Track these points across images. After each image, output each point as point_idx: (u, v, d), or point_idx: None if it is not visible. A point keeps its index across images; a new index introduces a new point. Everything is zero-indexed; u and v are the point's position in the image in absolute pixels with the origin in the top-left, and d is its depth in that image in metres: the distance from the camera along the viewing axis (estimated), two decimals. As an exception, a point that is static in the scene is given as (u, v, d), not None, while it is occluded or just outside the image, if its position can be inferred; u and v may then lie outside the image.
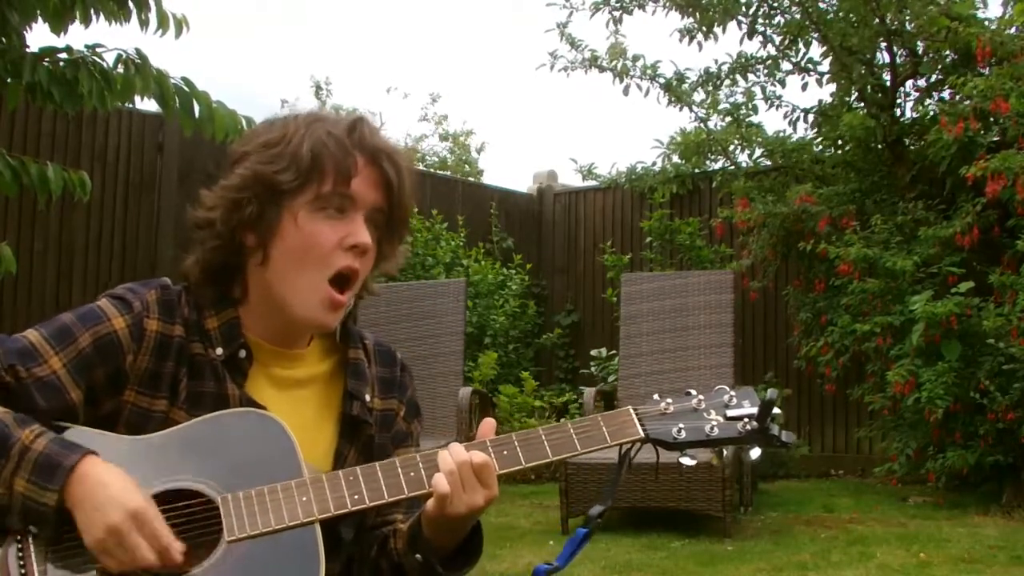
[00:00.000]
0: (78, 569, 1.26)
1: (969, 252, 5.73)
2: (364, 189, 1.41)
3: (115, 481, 1.26)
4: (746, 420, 1.39)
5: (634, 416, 1.40)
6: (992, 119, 5.72)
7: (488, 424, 1.41)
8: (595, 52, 7.04)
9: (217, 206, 1.41)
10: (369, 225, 1.43)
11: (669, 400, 1.42)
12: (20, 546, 1.25)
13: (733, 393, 1.40)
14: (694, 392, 1.41)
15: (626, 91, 7.01)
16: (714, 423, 1.39)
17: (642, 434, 1.39)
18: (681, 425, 1.39)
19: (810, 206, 6.36)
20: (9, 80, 3.51)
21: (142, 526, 1.24)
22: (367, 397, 1.50)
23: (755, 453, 1.38)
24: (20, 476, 1.23)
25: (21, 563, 1.24)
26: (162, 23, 3.64)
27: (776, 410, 1.37)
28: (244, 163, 1.41)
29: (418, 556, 1.42)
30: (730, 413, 1.39)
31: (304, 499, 1.31)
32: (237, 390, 1.41)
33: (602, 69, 7.04)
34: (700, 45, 6.86)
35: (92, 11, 3.55)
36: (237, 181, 1.40)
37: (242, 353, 1.42)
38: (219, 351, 1.41)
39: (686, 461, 1.39)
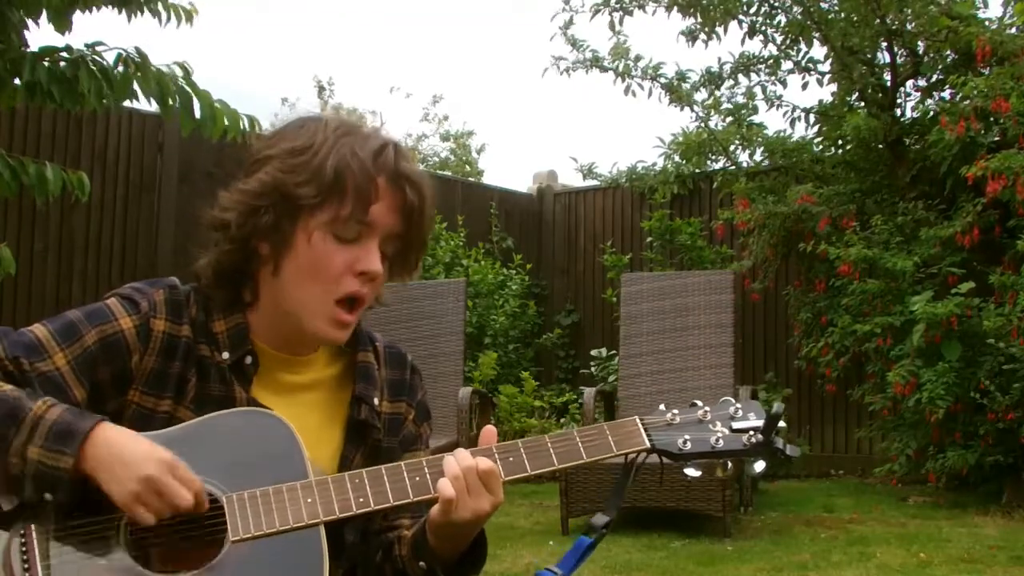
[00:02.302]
0: (81, 559, 1.25)
1: (969, 252, 5.73)
2: (383, 214, 1.38)
3: (138, 439, 1.27)
4: (751, 433, 1.39)
5: (640, 426, 1.40)
6: (993, 119, 5.71)
7: (489, 432, 1.40)
8: (596, 52, 7.04)
9: (233, 209, 1.37)
10: (383, 247, 1.40)
11: (675, 411, 1.41)
12: (23, 539, 1.24)
13: (739, 405, 1.40)
14: (700, 403, 1.41)
15: (627, 91, 7.02)
16: (719, 435, 1.39)
17: (648, 444, 1.39)
18: (687, 436, 1.39)
19: (810, 206, 6.37)
20: (9, 80, 3.51)
21: (175, 471, 1.26)
22: (375, 401, 1.48)
23: (759, 466, 1.38)
24: (34, 444, 1.23)
25: (24, 555, 1.23)
26: (171, 15, 3.64)
27: (781, 423, 1.37)
28: (266, 167, 1.37)
29: (422, 563, 1.41)
30: (735, 425, 1.39)
31: (309, 501, 1.30)
32: (244, 393, 1.40)
33: (603, 69, 7.04)
34: (705, 44, 6.87)
35: (95, 6, 3.55)
36: (256, 187, 1.37)
37: (248, 359, 1.41)
38: (225, 355, 1.40)
39: (691, 472, 1.39)
